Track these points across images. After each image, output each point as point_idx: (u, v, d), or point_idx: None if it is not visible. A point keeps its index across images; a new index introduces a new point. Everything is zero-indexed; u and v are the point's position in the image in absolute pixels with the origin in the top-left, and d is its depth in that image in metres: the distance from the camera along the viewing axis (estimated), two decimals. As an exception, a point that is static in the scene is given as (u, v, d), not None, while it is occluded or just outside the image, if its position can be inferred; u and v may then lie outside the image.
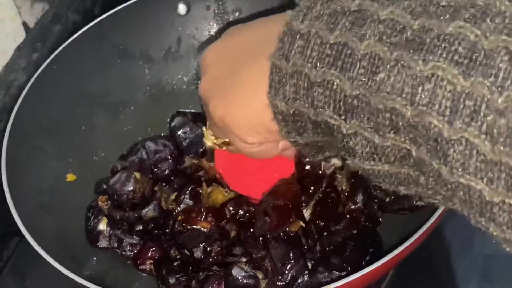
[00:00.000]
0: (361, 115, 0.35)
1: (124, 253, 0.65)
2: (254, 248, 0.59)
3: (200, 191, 0.65)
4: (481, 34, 0.30)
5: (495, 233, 0.32)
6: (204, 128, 0.57)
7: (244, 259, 0.60)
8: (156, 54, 0.79)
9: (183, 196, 0.65)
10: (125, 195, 0.65)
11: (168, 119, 0.76)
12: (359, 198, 0.63)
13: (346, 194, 0.64)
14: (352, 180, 0.64)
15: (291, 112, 0.40)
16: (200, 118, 0.75)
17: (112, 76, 0.76)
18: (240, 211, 0.62)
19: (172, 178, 0.69)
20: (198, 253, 0.60)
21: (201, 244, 0.60)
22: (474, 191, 0.31)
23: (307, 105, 0.38)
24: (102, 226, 0.65)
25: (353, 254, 0.58)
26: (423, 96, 0.31)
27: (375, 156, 0.37)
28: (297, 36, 0.38)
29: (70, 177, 0.69)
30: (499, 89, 0.29)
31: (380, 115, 0.34)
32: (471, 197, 0.32)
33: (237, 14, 0.80)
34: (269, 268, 0.58)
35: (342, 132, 0.37)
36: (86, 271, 0.61)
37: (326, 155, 0.45)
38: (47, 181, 0.66)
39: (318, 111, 0.38)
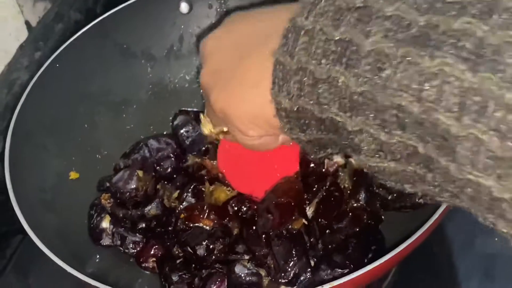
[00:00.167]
0: (367, 112, 0.35)
1: (127, 250, 0.65)
2: (257, 245, 0.59)
3: (203, 189, 0.65)
4: (489, 29, 0.29)
5: (504, 230, 0.32)
6: (202, 116, 0.56)
7: (246, 257, 0.60)
8: (158, 52, 0.79)
9: (185, 194, 0.65)
10: (128, 193, 0.65)
11: (171, 118, 0.76)
12: (362, 196, 0.63)
13: (348, 192, 0.64)
14: (355, 178, 0.65)
15: (295, 109, 0.39)
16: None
17: (114, 74, 0.76)
18: (242, 208, 0.62)
19: (175, 176, 0.69)
20: (201, 251, 0.60)
21: (204, 241, 0.60)
22: (483, 188, 0.31)
23: (311, 102, 0.38)
24: (105, 224, 0.66)
25: (356, 252, 0.58)
26: (430, 92, 0.31)
27: (380, 153, 0.36)
28: (302, 33, 0.37)
29: (73, 175, 0.69)
30: (507, 84, 0.28)
31: (386, 112, 0.33)
32: (480, 194, 0.31)
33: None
34: (272, 266, 0.58)
35: (347, 129, 0.37)
36: (89, 269, 0.62)
37: (328, 152, 0.45)
38: (50, 179, 0.66)
39: (323, 108, 0.37)
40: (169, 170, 0.70)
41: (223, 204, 0.64)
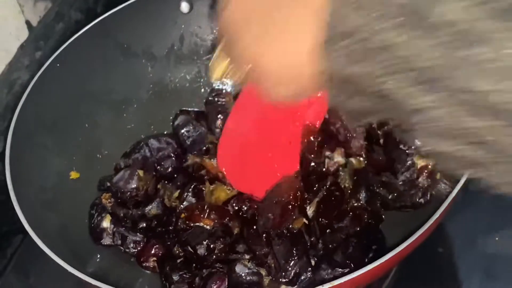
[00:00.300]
0: (439, 89, 0.30)
1: (127, 250, 0.65)
2: (257, 245, 0.59)
3: (203, 188, 0.65)
4: None
5: None
6: (217, 51, 0.48)
7: (247, 256, 0.60)
8: (159, 52, 0.79)
9: (186, 194, 0.65)
10: (129, 193, 0.65)
11: (171, 117, 0.76)
12: (362, 195, 0.63)
13: (349, 191, 0.64)
14: (355, 178, 0.65)
15: (344, 75, 0.34)
16: (203, 117, 0.75)
17: (115, 74, 0.76)
18: (243, 208, 0.62)
19: (175, 175, 0.69)
20: (201, 250, 0.60)
21: (205, 241, 0.60)
22: None
23: (367, 69, 0.33)
24: (106, 223, 0.66)
25: (356, 251, 0.58)
26: None
27: (446, 134, 0.32)
28: None
29: (74, 174, 0.69)
30: None
31: (463, 93, 0.29)
32: None
33: (239, 12, 0.80)
34: (272, 265, 0.58)
35: (410, 103, 0.31)
36: (90, 268, 0.62)
37: (371, 120, 0.38)
38: (51, 179, 0.66)
39: (380, 78, 0.32)
40: (169, 169, 0.70)
41: (223, 203, 0.64)
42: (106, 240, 0.65)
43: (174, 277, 0.59)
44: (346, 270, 0.56)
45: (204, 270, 0.59)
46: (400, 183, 0.63)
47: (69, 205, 0.66)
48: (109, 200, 0.67)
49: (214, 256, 0.60)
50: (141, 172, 0.66)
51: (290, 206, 0.59)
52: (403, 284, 0.64)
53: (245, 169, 0.64)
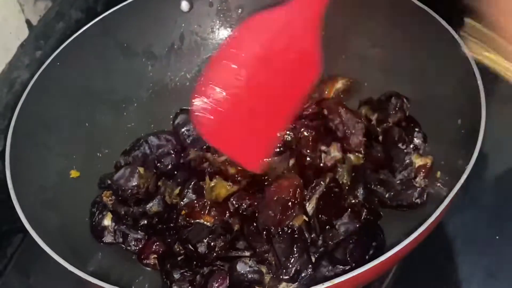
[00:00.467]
0: None
1: (129, 248, 0.65)
2: (258, 242, 0.59)
3: (203, 185, 0.65)
4: None
5: None
6: None
7: (247, 253, 0.60)
8: (159, 51, 0.79)
9: (186, 191, 0.65)
10: (130, 190, 0.65)
11: (171, 116, 0.76)
12: (360, 192, 0.63)
13: (346, 188, 0.64)
14: (353, 174, 0.65)
15: None
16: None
17: (115, 73, 0.76)
18: (243, 204, 0.62)
19: (175, 172, 0.69)
20: (202, 248, 0.60)
21: (205, 239, 0.60)
22: None
23: None
24: (107, 221, 0.66)
25: (356, 248, 0.58)
26: None
27: None
28: None
29: (74, 173, 0.69)
30: None
31: None
32: None
33: (239, 11, 0.80)
34: (273, 262, 0.58)
35: None
36: (91, 267, 0.62)
37: None
38: (51, 178, 0.66)
39: None
40: (169, 166, 0.70)
41: (223, 200, 0.64)
42: (108, 238, 0.65)
43: (175, 275, 0.59)
44: (347, 267, 0.56)
45: (204, 268, 0.59)
46: (398, 182, 0.64)
47: (69, 204, 0.66)
48: (110, 198, 0.67)
49: (215, 254, 0.60)
50: (141, 170, 0.66)
51: (290, 204, 0.59)
52: (403, 284, 0.64)
53: (234, 133, 0.60)
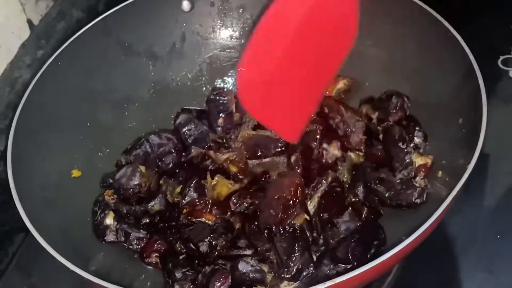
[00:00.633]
0: None
1: (131, 246, 0.65)
2: (259, 240, 0.59)
3: (205, 184, 0.66)
4: None
5: None
6: None
7: (249, 251, 0.60)
8: (160, 50, 0.79)
9: (187, 189, 0.65)
10: (131, 189, 0.65)
11: (173, 116, 0.76)
12: (360, 190, 0.63)
13: (347, 186, 0.64)
14: (354, 172, 0.65)
15: None
16: (204, 115, 0.75)
17: (117, 72, 0.76)
18: (244, 203, 0.62)
19: (177, 171, 0.69)
20: (203, 247, 0.60)
21: (207, 238, 0.60)
22: None
23: None
24: (109, 220, 0.66)
25: (358, 246, 0.58)
26: None
27: None
28: None
29: (75, 173, 0.69)
30: None
31: None
32: None
33: (241, 10, 0.80)
34: (275, 261, 0.58)
35: None
36: (93, 266, 0.62)
37: None
38: (53, 177, 0.66)
39: None
40: (171, 165, 0.70)
41: (225, 199, 0.64)
42: (110, 237, 0.65)
43: (177, 275, 0.59)
44: (349, 266, 0.56)
45: (206, 267, 0.59)
46: (398, 181, 0.64)
47: (71, 204, 0.66)
48: (112, 197, 0.67)
49: (216, 253, 0.60)
50: (143, 168, 0.66)
51: (291, 202, 0.59)
52: (404, 283, 0.64)
53: (276, 102, 0.57)
